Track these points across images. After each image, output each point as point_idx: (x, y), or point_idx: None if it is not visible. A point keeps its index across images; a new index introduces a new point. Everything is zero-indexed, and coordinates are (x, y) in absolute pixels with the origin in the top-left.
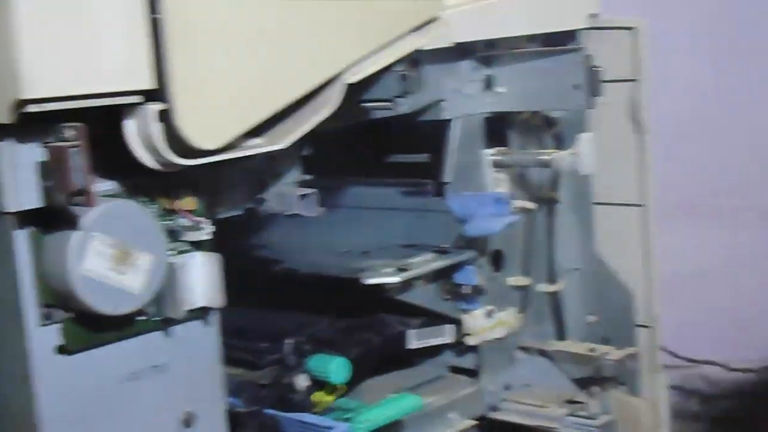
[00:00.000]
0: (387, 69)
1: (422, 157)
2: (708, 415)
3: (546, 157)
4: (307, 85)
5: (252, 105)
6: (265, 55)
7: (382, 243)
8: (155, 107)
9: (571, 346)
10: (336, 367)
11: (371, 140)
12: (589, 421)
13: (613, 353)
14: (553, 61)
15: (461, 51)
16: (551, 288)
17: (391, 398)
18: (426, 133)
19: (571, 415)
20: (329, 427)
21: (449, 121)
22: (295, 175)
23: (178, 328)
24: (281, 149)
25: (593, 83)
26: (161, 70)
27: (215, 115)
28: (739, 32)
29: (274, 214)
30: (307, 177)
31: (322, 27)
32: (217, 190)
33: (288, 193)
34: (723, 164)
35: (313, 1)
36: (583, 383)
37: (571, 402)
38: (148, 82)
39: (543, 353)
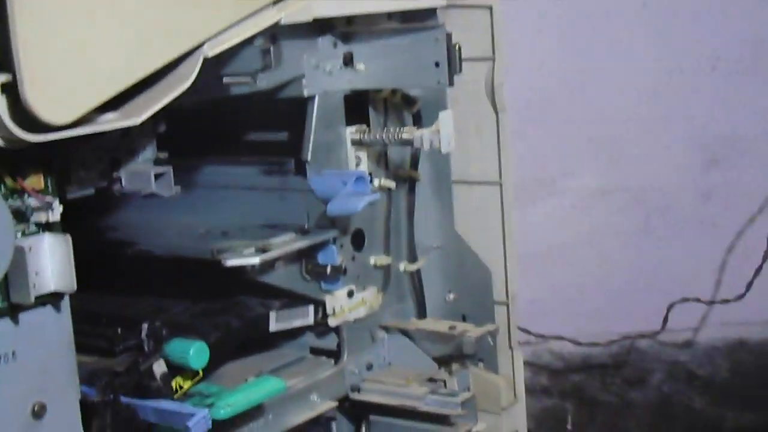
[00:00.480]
0: (247, 43)
1: (281, 136)
2: (558, 389)
3: (406, 136)
4: (163, 57)
5: (105, 78)
6: (120, 25)
7: (242, 223)
8: (0, 78)
9: (430, 324)
10: (194, 352)
11: (229, 118)
12: (449, 399)
13: (472, 330)
14: (413, 39)
15: (320, 27)
16: (412, 267)
17: (253, 382)
18: (285, 111)
19: (432, 393)
20: (189, 414)
21: (309, 98)
22: (150, 153)
23: (26, 315)
24: (136, 125)
25: (453, 61)
26: (6, 39)
27: (65, 88)
28: (587, 13)
29: (128, 195)
30: (163, 155)
31: None
32: (67, 168)
33: (143, 172)
34: (569, 144)
35: None
36: (443, 361)
37: (432, 380)
38: None
39: (404, 332)
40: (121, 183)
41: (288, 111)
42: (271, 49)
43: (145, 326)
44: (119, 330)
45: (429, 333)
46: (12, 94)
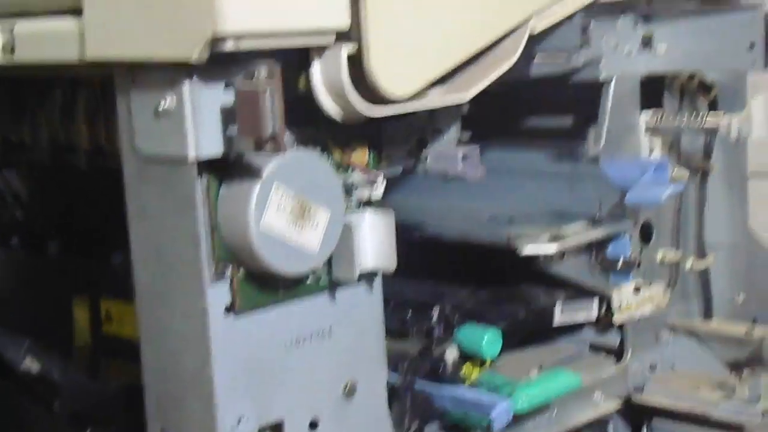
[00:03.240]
0: (566, 19)
1: (569, 120)
2: None
3: (711, 122)
4: (495, 32)
5: (443, 52)
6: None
7: (528, 210)
8: (346, 49)
9: (723, 326)
10: (488, 340)
11: (516, 101)
12: (748, 407)
13: None
14: (721, 20)
15: (621, 6)
16: (700, 264)
17: (548, 375)
18: (572, 95)
19: (727, 399)
20: (491, 404)
21: (605, 82)
22: (454, 133)
23: (343, 292)
24: (464, 101)
25: None
26: (356, 9)
27: (407, 61)
28: None
29: (410, 175)
30: (465, 136)
31: None
32: (379, 145)
33: (450, 152)
34: None
35: None
36: (734, 366)
37: (722, 385)
38: (342, 21)
39: (691, 333)
40: (427, 162)
41: (576, 95)
42: (591, 25)
43: (436, 311)
44: (410, 313)
45: (722, 336)
46: (355, 65)
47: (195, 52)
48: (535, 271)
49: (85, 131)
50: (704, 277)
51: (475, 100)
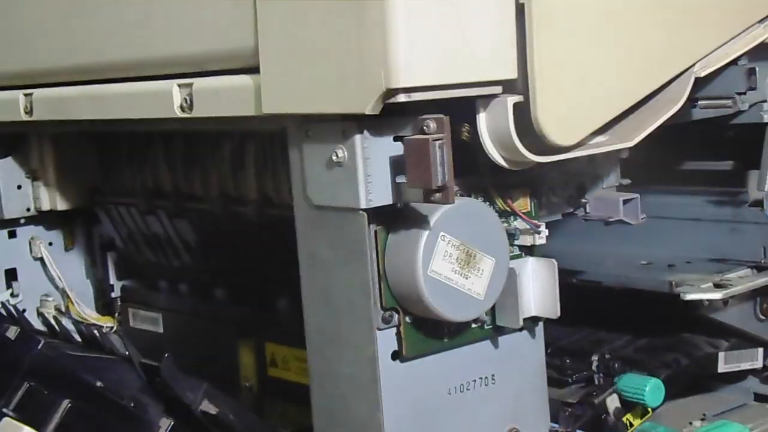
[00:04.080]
0: (731, 63)
1: (726, 165)
2: None
3: None
4: (661, 79)
5: (607, 100)
6: (623, 47)
7: (687, 256)
8: (513, 99)
9: None
10: (651, 389)
11: (671, 146)
12: None
13: None
14: None
15: None
16: None
17: (713, 426)
18: (730, 139)
19: None
20: None
21: (766, 124)
22: (613, 179)
23: (506, 339)
24: (629, 147)
25: None
26: (522, 63)
27: (572, 110)
28: None
29: (565, 221)
30: (625, 182)
31: (678, 17)
32: (540, 192)
33: (611, 198)
34: None
35: None
36: None
37: None
38: (509, 72)
39: None
40: (585, 209)
41: (734, 139)
42: (757, 69)
43: (595, 358)
44: (568, 360)
45: None
46: (520, 114)
47: (368, 105)
48: (696, 319)
49: (254, 182)
50: None
51: (634, 145)
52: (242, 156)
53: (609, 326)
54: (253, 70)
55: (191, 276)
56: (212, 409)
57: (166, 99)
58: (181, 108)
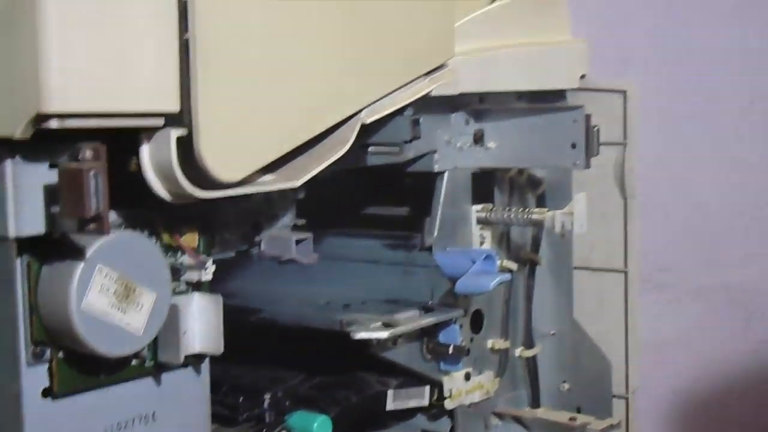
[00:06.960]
0: (398, 113)
1: (404, 210)
2: None
3: (537, 216)
4: (327, 122)
5: (275, 139)
6: (292, 87)
7: (363, 297)
8: (176, 132)
9: (548, 413)
10: (318, 426)
11: (352, 190)
12: None
13: (594, 423)
14: (547, 119)
15: (454, 103)
16: (528, 352)
17: None
18: (409, 185)
19: None
20: None
21: (438, 174)
22: (289, 219)
23: (169, 375)
24: (295, 187)
25: (592, 142)
26: (186, 93)
27: (237, 146)
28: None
29: (247, 260)
30: (300, 222)
31: (347, 63)
32: (212, 228)
33: (284, 237)
34: (669, 238)
35: (340, 38)
36: None
37: None
38: (172, 105)
39: (518, 420)
40: (259, 247)
41: (412, 185)
42: (420, 119)
43: (267, 396)
44: (241, 398)
45: (547, 423)
46: (185, 148)
47: (18, 129)
48: (368, 357)
49: None
50: (532, 365)
51: (314, 187)
52: None
53: (287, 365)
54: None
55: None
56: None
57: None
58: None
